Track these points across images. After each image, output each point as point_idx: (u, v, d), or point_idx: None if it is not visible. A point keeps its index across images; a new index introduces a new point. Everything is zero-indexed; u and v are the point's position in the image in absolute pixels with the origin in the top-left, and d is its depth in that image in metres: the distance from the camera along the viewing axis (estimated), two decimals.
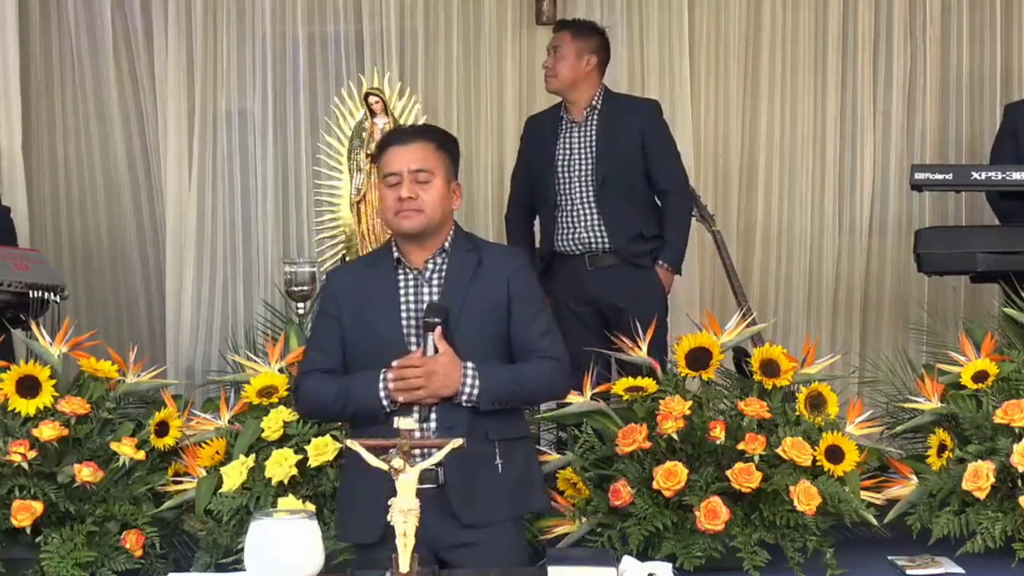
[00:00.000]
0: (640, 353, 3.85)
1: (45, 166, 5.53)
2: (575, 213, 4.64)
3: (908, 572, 3.55)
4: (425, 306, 2.86)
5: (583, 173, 4.65)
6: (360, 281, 2.95)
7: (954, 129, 5.65)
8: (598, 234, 4.62)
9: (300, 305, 4.50)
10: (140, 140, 5.56)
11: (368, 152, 4.45)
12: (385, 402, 2.80)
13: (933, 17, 5.61)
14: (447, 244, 2.93)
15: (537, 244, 4.87)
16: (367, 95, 4.48)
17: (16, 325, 4.17)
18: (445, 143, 2.98)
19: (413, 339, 2.86)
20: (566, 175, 4.66)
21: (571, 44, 4.68)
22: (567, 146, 4.69)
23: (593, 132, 4.67)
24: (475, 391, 2.80)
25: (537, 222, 4.88)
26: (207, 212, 5.48)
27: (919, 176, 4.42)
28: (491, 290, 2.89)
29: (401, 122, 4.52)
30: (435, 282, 2.89)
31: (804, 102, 5.62)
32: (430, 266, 2.90)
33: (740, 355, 3.94)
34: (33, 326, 3.97)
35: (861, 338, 5.63)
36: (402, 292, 2.89)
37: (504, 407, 2.86)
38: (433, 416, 2.81)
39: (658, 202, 4.72)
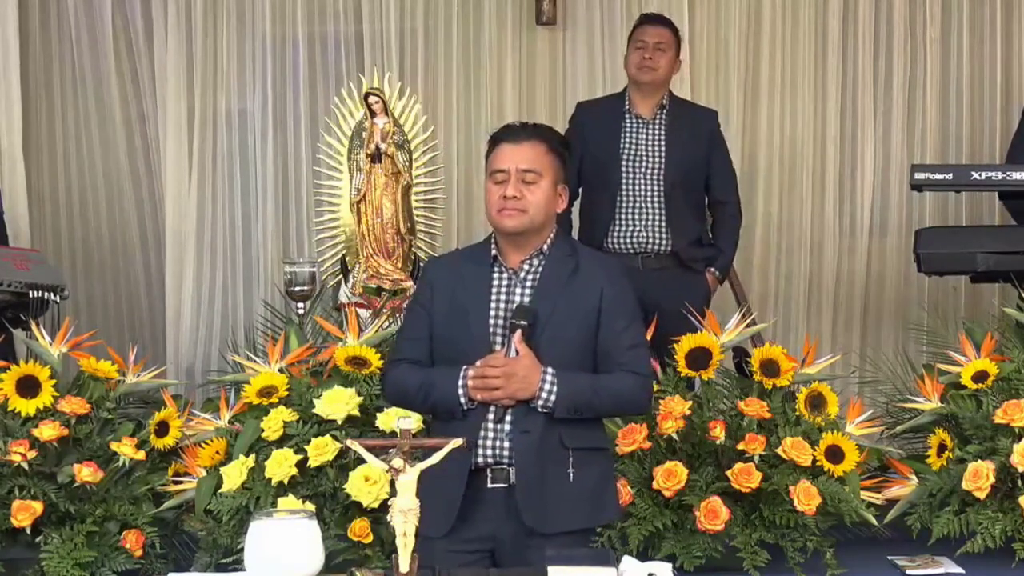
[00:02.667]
0: None
1: (45, 166, 5.53)
2: (639, 211, 4.57)
3: (908, 572, 3.55)
4: (515, 307, 2.85)
5: (652, 172, 4.59)
6: (456, 274, 2.93)
7: (954, 129, 5.65)
8: (660, 235, 4.56)
9: (300, 305, 4.50)
10: (140, 140, 5.55)
11: (368, 152, 4.45)
12: (463, 399, 2.79)
13: (933, 17, 5.61)
14: (546, 247, 2.90)
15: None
16: (367, 95, 4.47)
17: (16, 325, 4.17)
18: (557, 145, 2.94)
19: (499, 338, 2.83)
20: (631, 171, 4.59)
21: (672, 42, 4.67)
22: (633, 142, 4.62)
23: (662, 132, 4.63)
24: (552, 397, 2.77)
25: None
26: (207, 212, 5.48)
27: (919, 176, 4.42)
28: (584, 297, 2.85)
29: (401, 122, 4.52)
30: (529, 284, 2.86)
31: (804, 102, 5.62)
32: (526, 267, 2.88)
33: (740, 355, 3.94)
34: (33, 326, 3.97)
35: (861, 338, 5.62)
36: (494, 290, 2.87)
37: (579, 416, 2.84)
38: (508, 418, 2.79)
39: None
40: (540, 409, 2.78)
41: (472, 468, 2.76)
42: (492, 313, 2.85)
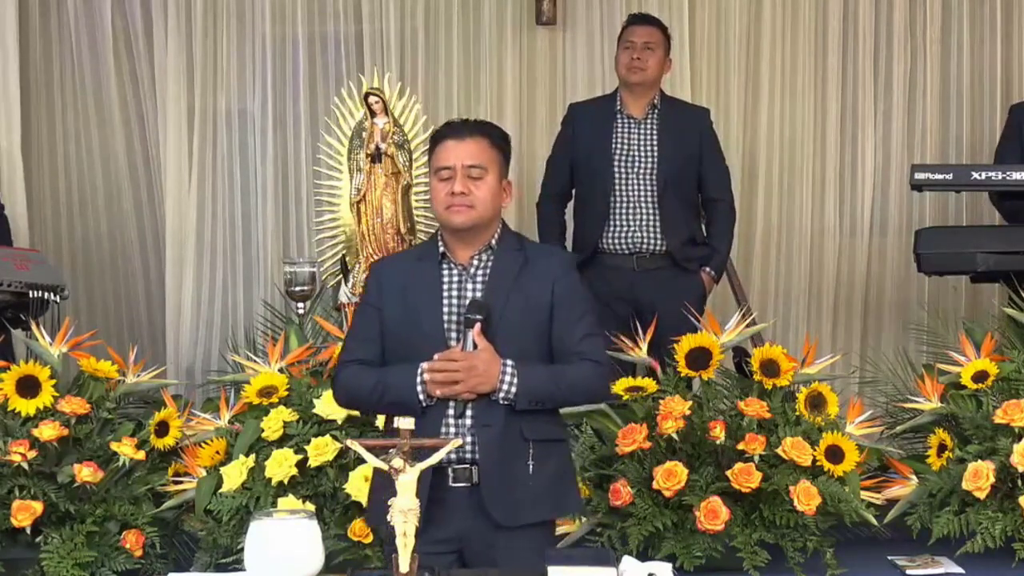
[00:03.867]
0: (640, 353, 3.85)
1: (45, 166, 5.53)
2: (632, 211, 4.57)
3: (908, 572, 3.55)
4: (468, 302, 2.86)
5: (644, 172, 4.59)
6: (405, 273, 2.94)
7: (955, 129, 5.65)
8: (653, 235, 4.55)
9: (300, 305, 4.51)
10: (140, 140, 5.55)
11: (368, 152, 4.45)
12: (421, 396, 2.79)
13: (933, 17, 5.61)
14: (494, 242, 2.91)
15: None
16: (367, 95, 4.48)
17: (16, 325, 4.17)
18: (499, 140, 2.96)
19: (454, 334, 2.84)
20: (624, 171, 4.59)
21: (662, 42, 4.68)
22: (625, 142, 4.63)
23: (654, 131, 4.63)
24: (513, 389, 2.78)
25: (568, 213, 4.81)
26: (207, 212, 5.48)
27: (919, 176, 4.42)
28: (535, 290, 2.87)
29: (401, 122, 4.52)
30: (479, 279, 2.88)
31: (804, 102, 5.62)
32: (475, 262, 2.89)
33: (740, 355, 3.94)
34: (33, 326, 3.97)
35: (861, 338, 5.62)
36: (445, 287, 2.88)
37: (541, 407, 2.85)
38: (469, 412, 2.80)
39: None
40: (501, 402, 2.78)
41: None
42: (445, 310, 2.86)
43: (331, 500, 3.57)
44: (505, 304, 2.84)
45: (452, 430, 2.78)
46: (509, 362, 2.79)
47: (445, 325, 2.85)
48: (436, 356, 2.79)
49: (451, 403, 2.80)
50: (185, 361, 5.35)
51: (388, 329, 2.89)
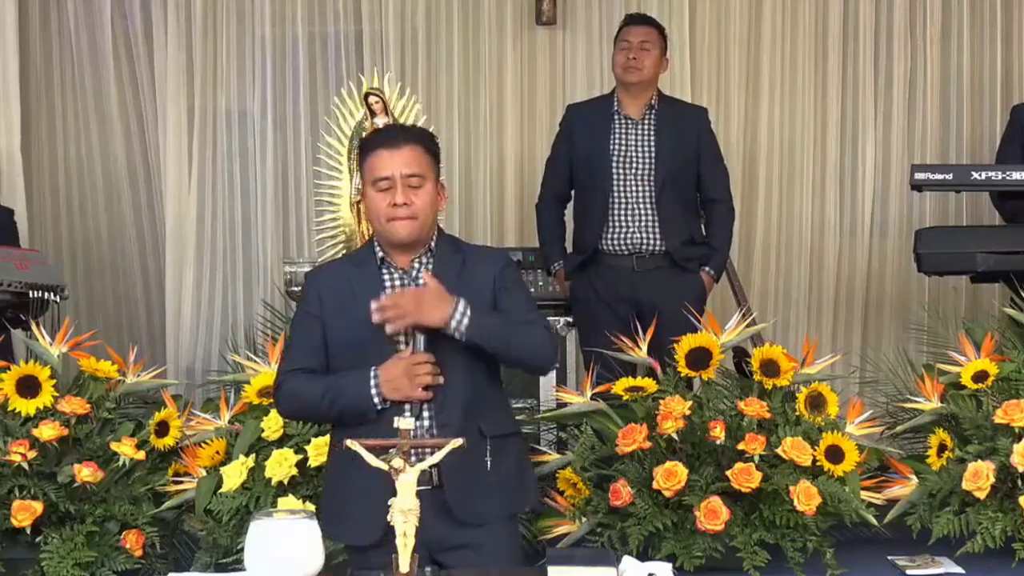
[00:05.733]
0: (640, 353, 3.84)
1: (45, 167, 5.54)
2: (631, 211, 4.58)
3: (908, 572, 3.55)
4: None
5: (642, 172, 4.59)
6: (344, 281, 2.92)
7: (955, 129, 5.66)
8: (652, 235, 4.56)
9: None
10: (140, 141, 5.56)
11: None
12: (376, 400, 2.79)
13: (933, 17, 5.62)
14: (432, 244, 2.93)
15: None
16: (367, 95, 4.47)
17: (16, 325, 4.17)
18: (431, 145, 2.96)
19: (401, 338, 2.84)
20: (622, 172, 4.59)
21: (658, 41, 4.68)
22: (623, 142, 4.62)
23: (651, 131, 4.63)
24: (465, 320, 2.75)
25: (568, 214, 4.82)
26: (207, 212, 5.49)
27: (919, 176, 4.42)
28: (478, 287, 2.87)
29: (402, 122, 4.51)
30: (421, 282, 2.88)
31: (804, 102, 5.63)
32: (416, 265, 2.89)
33: (740, 355, 3.93)
34: (33, 326, 3.97)
35: (861, 338, 5.63)
36: (388, 291, 2.88)
37: (491, 347, 2.81)
38: (426, 413, 2.80)
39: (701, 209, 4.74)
40: (453, 332, 2.75)
41: None
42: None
43: None
44: None
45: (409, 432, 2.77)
46: (461, 298, 2.77)
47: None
48: (384, 297, 2.79)
49: (407, 405, 2.77)
50: (185, 361, 5.36)
51: (332, 337, 2.88)
